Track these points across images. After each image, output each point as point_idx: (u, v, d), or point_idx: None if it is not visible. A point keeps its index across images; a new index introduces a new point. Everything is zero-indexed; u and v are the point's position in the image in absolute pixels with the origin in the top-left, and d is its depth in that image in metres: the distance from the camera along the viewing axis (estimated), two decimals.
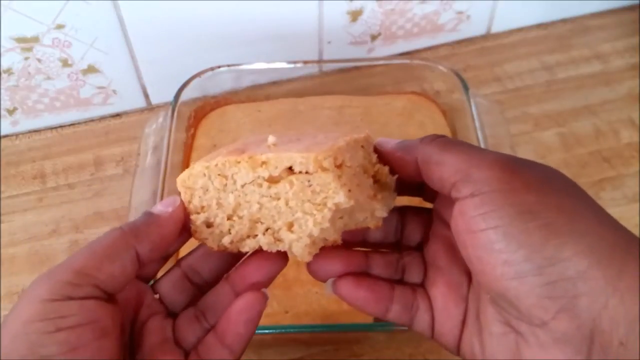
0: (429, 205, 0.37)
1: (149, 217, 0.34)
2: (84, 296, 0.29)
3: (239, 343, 0.33)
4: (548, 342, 0.27)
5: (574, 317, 0.26)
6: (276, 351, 0.49)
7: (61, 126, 0.64)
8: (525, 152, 0.58)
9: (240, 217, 0.38)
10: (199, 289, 0.36)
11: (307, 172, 0.35)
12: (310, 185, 0.36)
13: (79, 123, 0.64)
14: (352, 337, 0.49)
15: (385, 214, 0.37)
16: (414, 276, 0.36)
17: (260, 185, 0.37)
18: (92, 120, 0.64)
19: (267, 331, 0.44)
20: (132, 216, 0.50)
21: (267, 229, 0.38)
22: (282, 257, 0.36)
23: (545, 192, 0.28)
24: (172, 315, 0.35)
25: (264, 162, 0.36)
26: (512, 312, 0.29)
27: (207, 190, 0.38)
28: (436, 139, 0.32)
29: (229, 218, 0.39)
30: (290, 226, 0.37)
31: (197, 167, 0.38)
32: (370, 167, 0.39)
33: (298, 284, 0.48)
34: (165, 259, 0.36)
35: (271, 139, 0.38)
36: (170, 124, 0.54)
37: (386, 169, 0.38)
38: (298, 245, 0.37)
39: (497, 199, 0.28)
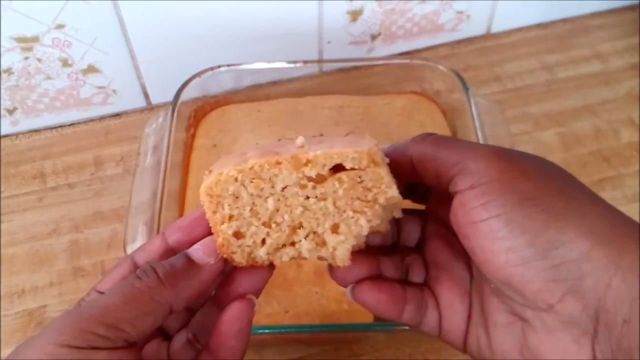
0: (418, 206, 0.37)
1: (190, 269, 0.32)
2: (112, 347, 0.28)
3: (233, 356, 0.33)
4: (555, 325, 0.28)
5: (580, 298, 0.27)
6: (276, 351, 0.49)
7: (61, 126, 0.64)
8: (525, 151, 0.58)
9: (278, 224, 0.36)
10: (191, 311, 0.36)
11: (358, 169, 0.34)
12: (361, 182, 0.34)
13: (79, 123, 0.64)
14: (352, 337, 0.49)
15: (400, 215, 0.36)
16: (416, 276, 0.36)
17: (305, 187, 0.35)
18: (92, 120, 0.64)
19: (267, 331, 0.44)
20: (132, 216, 0.49)
21: (307, 234, 0.36)
22: (268, 268, 0.35)
23: (542, 178, 0.29)
24: (165, 337, 0.35)
25: (309, 161, 0.34)
26: (517, 300, 0.29)
27: (238, 197, 0.35)
28: (427, 137, 0.32)
29: (265, 225, 0.36)
30: (335, 228, 0.36)
31: (227, 172, 0.35)
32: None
33: (298, 284, 0.48)
34: None
35: (300, 140, 0.35)
36: (170, 124, 0.54)
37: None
38: (343, 247, 0.35)
39: (497, 188, 0.28)
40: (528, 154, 0.30)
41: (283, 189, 0.35)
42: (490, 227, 0.28)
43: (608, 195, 0.55)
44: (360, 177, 0.34)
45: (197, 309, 0.36)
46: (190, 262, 0.32)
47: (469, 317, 0.34)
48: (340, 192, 0.34)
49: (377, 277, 0.36)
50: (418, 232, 0.37)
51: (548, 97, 0.64)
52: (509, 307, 0.30)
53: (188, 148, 0.57)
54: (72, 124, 0.64)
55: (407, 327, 0.44)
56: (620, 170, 0.58)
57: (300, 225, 0.36)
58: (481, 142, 0.52)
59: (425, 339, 0.49)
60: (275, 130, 0.56)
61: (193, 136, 0.58)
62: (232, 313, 0.33)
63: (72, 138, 0.63)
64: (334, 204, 0.35)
